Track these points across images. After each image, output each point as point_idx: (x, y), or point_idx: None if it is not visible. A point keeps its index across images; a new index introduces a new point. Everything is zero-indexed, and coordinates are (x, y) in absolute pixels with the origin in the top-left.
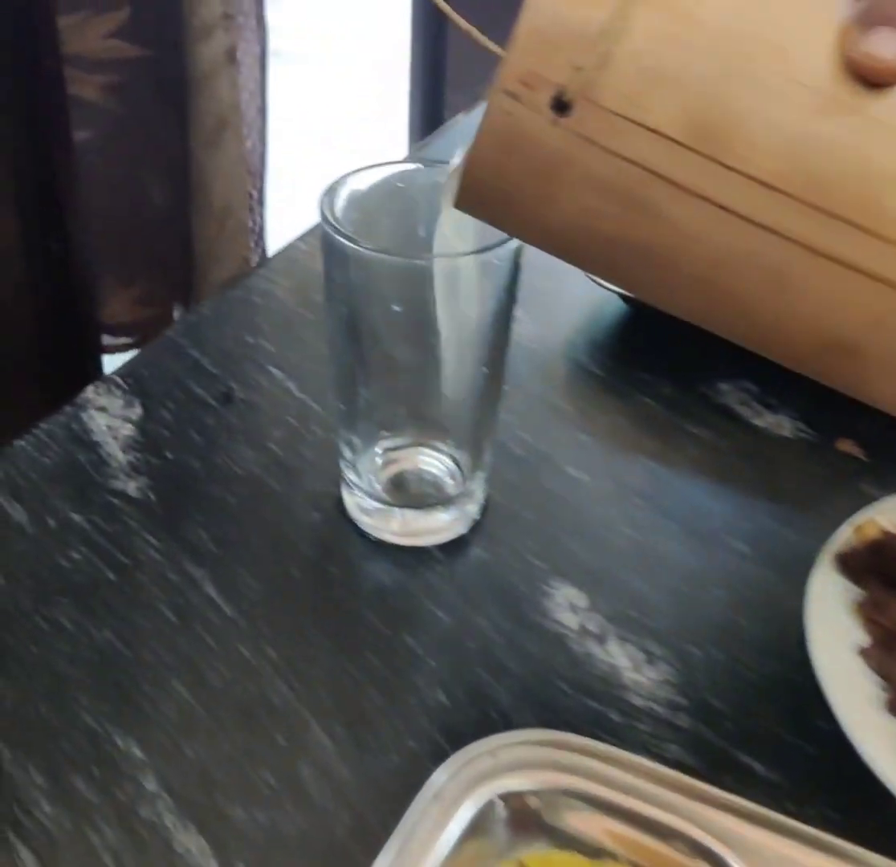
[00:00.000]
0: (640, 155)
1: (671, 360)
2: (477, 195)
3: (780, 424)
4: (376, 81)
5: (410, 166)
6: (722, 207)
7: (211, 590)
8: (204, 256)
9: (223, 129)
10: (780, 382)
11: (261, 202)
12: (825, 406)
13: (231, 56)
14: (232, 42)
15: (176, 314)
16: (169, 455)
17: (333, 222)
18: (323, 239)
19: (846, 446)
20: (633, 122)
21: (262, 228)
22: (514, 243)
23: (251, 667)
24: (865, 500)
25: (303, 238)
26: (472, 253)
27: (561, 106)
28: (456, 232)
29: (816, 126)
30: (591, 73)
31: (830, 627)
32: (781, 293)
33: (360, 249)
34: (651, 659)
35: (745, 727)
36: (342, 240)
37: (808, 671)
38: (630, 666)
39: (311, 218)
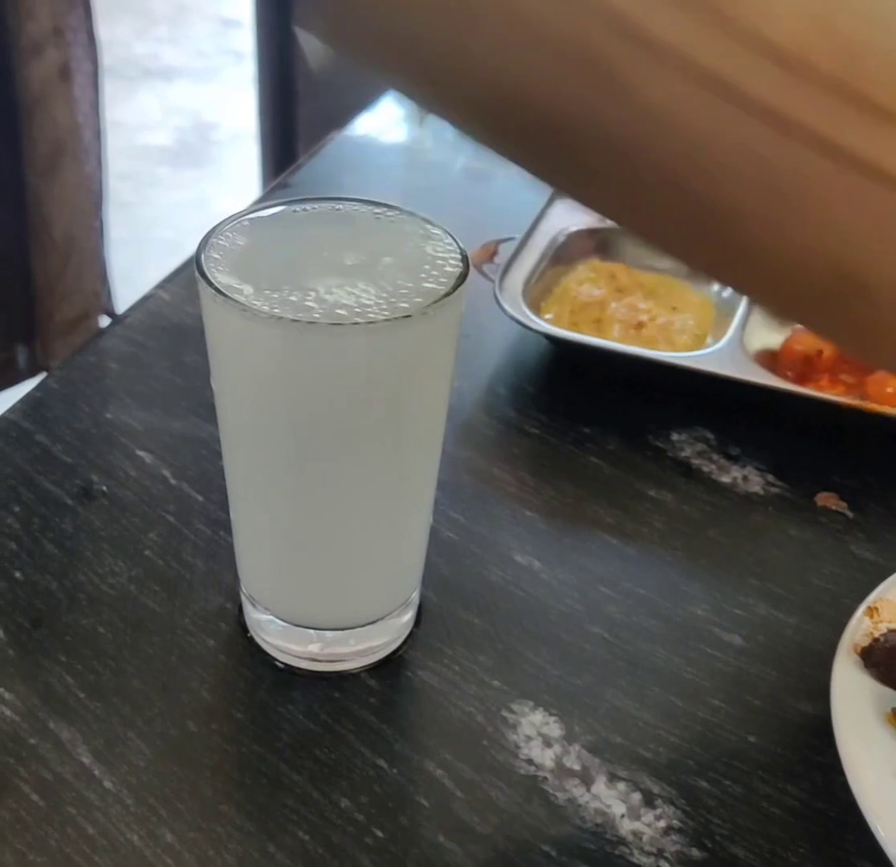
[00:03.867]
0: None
1: (612, 408)
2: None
3: (748, 479)
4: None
5: (298, 206)
6: (711, 84)
7: (84, 757)
8: (47, 294)
9: (61, 154)
10: (738, 427)
11: (101, 232)
12: (793, 451)
13: (64, 74)
14: (64, 59)
15: (21, 358)
16: (17, 575)
17: (221, 288)
18: (206, 307)
19: (828, 501)
20: None
21: (103, 262)
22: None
23: (145, 860)
24: (860, 565)
25: (164, 286)
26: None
27: None
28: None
29: None
30: None
31: (866, 745)
32: (778, 205)
33: (280, 324)
34: (650, 800)
35: None
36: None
37: (840, 797)
38: (626, 811)
39: (162, 251)
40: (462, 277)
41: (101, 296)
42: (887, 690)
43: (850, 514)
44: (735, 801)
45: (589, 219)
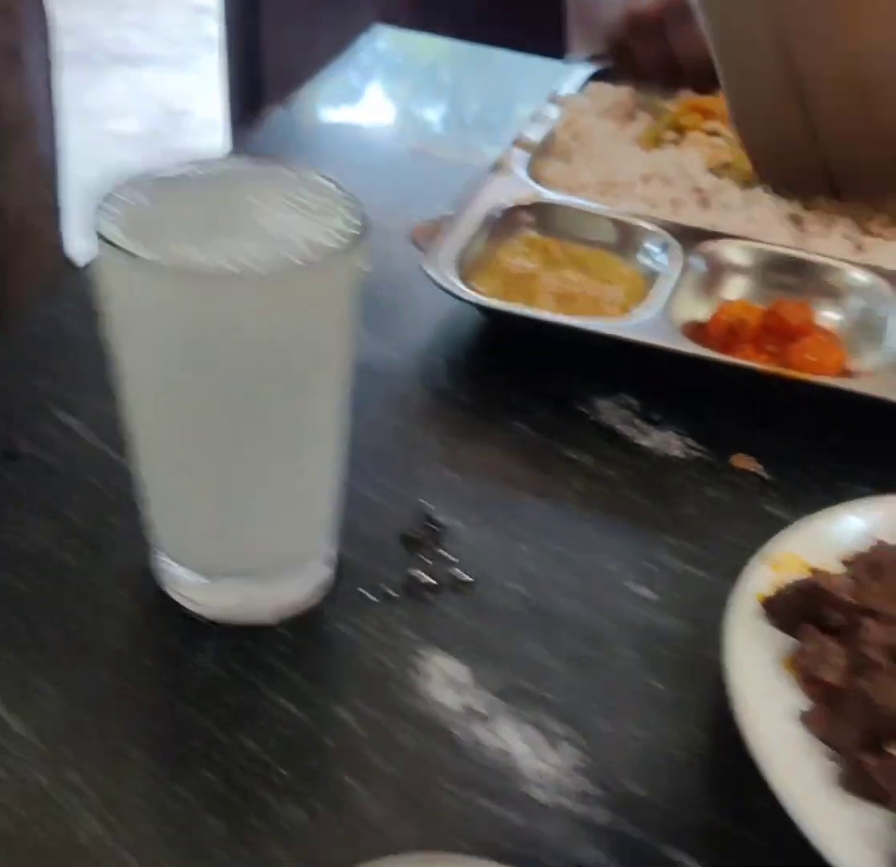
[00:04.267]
0: None
1: (541, 378)
2: None
3: (667, 442)
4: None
5: (200, 167)
6: None
7: None
8: (1, 275)
9: (13, 136)
10: (661, 394)
11: (59, 214)
12: (713, 417)
13: (15, 53)
14: (15, 37)
15: None
16: None
17: (112, 239)
18: (101, 262)
19: (743, 463)
20: None
21: (60, 242)
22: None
23: (51, 800)
24: (773, 524)
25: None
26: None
27: None
28: None
29: None
30: None
31: (760, 690)
32: None
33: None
34: (553, 741)
35: (674, 817)
36: (128, 260)
37: (739, 739)
38: (529, 752)
39: None
40: (356, 237)
41: (58, 277)
42: (787, 638)
43: (766, 476)
44: (636, 743)
45: (525, 193)
